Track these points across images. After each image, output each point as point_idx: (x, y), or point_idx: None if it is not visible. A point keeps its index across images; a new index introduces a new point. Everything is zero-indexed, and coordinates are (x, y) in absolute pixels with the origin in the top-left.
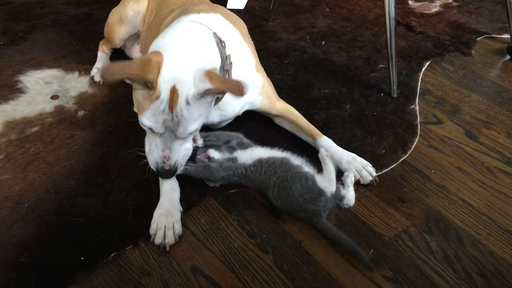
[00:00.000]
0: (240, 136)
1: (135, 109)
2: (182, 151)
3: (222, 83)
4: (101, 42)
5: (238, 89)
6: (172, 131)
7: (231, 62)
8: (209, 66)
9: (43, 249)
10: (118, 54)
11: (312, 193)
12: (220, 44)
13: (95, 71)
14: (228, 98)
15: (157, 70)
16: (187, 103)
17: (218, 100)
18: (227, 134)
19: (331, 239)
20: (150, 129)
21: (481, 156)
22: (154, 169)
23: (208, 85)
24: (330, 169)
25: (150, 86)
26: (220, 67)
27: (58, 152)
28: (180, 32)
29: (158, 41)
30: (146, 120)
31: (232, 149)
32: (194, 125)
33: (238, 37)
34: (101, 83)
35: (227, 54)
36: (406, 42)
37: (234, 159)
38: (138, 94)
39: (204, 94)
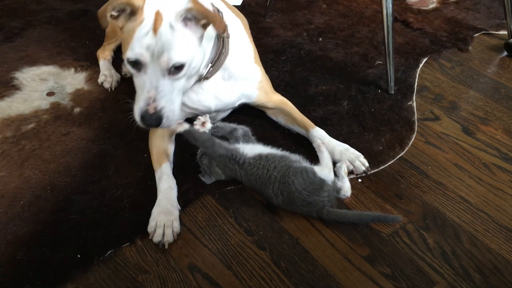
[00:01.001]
0: (247, 129)
1: (123, 56)
2: (170, 100)
3: (204, 9)
4: (99, 51)
5: (220, 22)
6: (157, 62)
7: (228, 33)
8: None
9: (39, 246)
10: (118, 58)
11: (314, 184)
12: (218, 13)
13: (103, 78)
14: (224, 83)
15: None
16: (171, 27)
17: (200, 76)
18: (235, 125)
19: (351, 222)
20: (136, 61)
21: (478, 153)
22: (138, 119)
23: (189, 4)
24: (326, 157)
25: (135, 11)
26: (216, 34)
27: (54, 149)
28: None
29: None
30: (131, 51)
31: (236, 140)
32: (179, 55)
33: (239, 26)
34: (112, 89)
35: (226, 24)
36: (403, 39)
37: (236, 149)
38: (125, 30)
39: (187, 17)
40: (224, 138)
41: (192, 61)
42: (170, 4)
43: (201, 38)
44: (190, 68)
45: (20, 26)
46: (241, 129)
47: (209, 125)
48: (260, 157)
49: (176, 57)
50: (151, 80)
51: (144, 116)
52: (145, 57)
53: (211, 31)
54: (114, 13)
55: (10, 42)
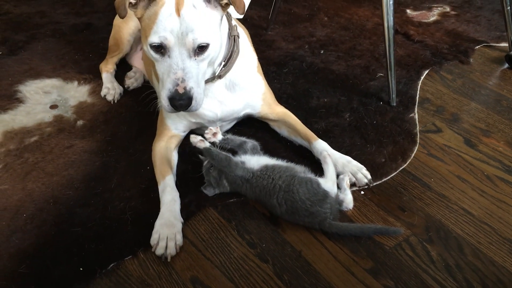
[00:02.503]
0: (256, 143)
1: (143, 46)
2: (197, 81)
3: None
4: (101, 64)
5: (240, 1)
6: (182, 44)
7: (238, 32)
8: None
9: (41, 259)
10: (121, 71)
11: (318, 195)
12: (227, 14)
13: (106, 91)
14: (228, 92)
15: None
16: (194, 6)
17: (213, 74)
18: (245, 138)
19: (353, 234)
20: (159, 46)
21: (481, 165)
22: (166, 103)
23: None
24: (331, 170)
25: None
26: (228, 33)
27: (57, 162)
28: None
29: None
30: (155, 36)
31: (244, 153)
32: (204, 35)
33: (243, 35)
34: (115, 101)
35: (234, 24)
36: (404, 51)
37: (243, 162)
38: (145, 17)
39: None
40: (232, 150)
41: (215, 43)
42: None
43: (220, 21)
44: (213, 50)
45: (24, 40)
46: (251, 142)
47: (220, 136)
48: (266, 168)
49: (201, 37)
50: (177, 62)
51: (174, 97)
52: (169, 39)
53: (225, 23)
54: (133, 0)
55: (14, 55)
